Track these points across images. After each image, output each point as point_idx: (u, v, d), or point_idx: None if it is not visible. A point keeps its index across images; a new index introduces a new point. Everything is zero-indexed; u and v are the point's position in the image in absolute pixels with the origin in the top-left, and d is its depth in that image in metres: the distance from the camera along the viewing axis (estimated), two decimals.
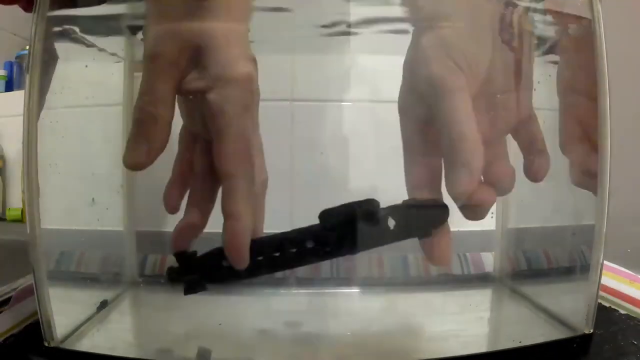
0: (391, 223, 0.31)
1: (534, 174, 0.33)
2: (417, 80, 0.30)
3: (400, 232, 0.31)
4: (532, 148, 0.33)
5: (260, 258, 0.30)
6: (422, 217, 0.31)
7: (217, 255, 0.30)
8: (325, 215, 0.30)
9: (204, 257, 0.31)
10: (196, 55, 0.27)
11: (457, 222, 0.50)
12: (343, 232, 0.30)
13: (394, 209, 0.31)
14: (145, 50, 0.28)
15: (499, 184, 0.31)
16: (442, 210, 0.31)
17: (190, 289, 0.31)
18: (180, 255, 0.31)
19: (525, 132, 0.33)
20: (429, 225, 0.31)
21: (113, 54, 0.44)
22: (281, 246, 0.31)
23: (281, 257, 0.31)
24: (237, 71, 0.27)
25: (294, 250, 0.31)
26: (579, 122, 0.34)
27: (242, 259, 0.28)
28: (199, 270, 0.31)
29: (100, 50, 0.42)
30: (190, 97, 0.29)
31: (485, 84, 0.30)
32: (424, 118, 0.30)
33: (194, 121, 0.30)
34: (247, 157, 0.28)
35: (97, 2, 0.33)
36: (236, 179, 0.28)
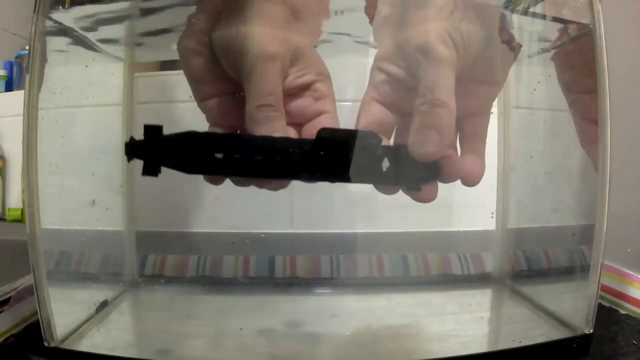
0: (385, 165, 0.30)
1: (466, 175, 0.32)
2: (408, 43, 0.31)
3: (391, 176, 0.31)
4: (470, 143, 0.33)
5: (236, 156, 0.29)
6: (413, 169, 0.31)
7: (188, 139, 0.29)
8: (324, 133, 0.30)
9: (173, 138, 0.29)
10: (294, 57, 0.31)
11: (457, 222, 0.50)
12: (338, 155, 0.30)
13: (391, 150, 0.31)
14: (256, 52, 0.29)
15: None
16: (434, 167, 0.31)
17: (146, 171, 0.30)
18: (150, 130, 0.29)
19: (472, 125, 0.33)
20: (418, 179, 0.31)
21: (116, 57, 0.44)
22: (269, 150, 0.29)
23: (265, 161, 0.29)
24: (326, 67, 0.33)
25: (280, 157, 0.29)
26: (592, 120, 0.34)
27: None
28: (164, 150, 0.29)
29: (100, 51, 0.42)
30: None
31: (467, 70, 0.31)
32: (399, 76, 0.32)
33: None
34: None
35: None
36: None
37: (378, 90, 0.33)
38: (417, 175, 0.31)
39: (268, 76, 0.30)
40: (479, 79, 0.33)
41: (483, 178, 0.41)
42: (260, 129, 0.29)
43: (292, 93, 0.32)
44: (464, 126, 0.33)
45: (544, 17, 0.39)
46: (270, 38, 0.30)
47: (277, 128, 0.30)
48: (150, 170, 0.30)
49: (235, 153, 0.29)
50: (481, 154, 0.33)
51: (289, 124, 0.32)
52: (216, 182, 0.32)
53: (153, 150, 0.29)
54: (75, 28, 0.37)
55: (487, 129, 0.34)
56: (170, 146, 0.29)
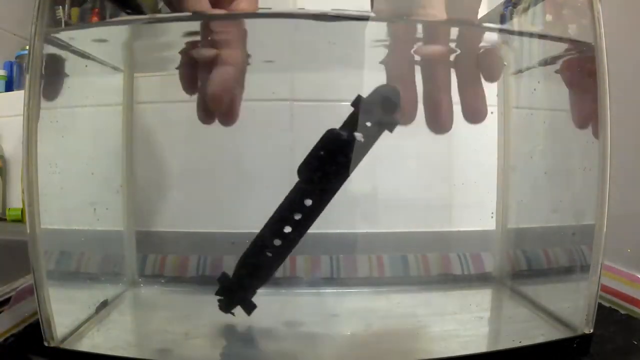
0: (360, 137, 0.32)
1: (471, 109, 0.32)
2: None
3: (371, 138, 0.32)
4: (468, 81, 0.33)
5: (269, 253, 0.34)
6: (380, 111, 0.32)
7: (244, 274, 0.35)
8: (301, 169, 0.33)
9: (235, 277, 0.36)
10: None
11: (457, 222, 0.50)
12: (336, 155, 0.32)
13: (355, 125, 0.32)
14: None
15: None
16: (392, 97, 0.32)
17: (249, 309, 0.36)
18: (222, 279, 0.36)
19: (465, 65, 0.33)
20: (389, 114, 0.32)
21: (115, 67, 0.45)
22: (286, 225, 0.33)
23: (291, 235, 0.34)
24: None
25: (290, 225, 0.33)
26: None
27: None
28: (236, 290, 0.36)
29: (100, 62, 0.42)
30: None
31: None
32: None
33: None
34: None
35: None
36: None
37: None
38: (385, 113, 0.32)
39: None
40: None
41: (483, 178, 0.42)
42: None
43: None
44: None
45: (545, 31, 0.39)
46: None
47: None
48: (250, 308, 0.36)
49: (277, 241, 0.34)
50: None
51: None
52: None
53: (239, 298, 0.35)
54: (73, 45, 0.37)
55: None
56: (241, 280, 0.35)
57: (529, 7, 0.41)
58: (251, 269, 0.35)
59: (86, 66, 0.41)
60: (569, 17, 0.39)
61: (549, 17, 0.42)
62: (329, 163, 0.32)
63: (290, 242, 0.34)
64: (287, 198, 0.33)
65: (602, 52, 0.33)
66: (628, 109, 0.43)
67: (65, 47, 0.36)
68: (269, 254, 0.34)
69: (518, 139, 0.47)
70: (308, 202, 0.33)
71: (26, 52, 0.41)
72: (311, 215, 0.33)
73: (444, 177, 0.49)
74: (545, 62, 0.40)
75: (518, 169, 0.47)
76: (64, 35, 0.36)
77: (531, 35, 0.39)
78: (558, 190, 0.42)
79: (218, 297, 0.36)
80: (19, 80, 1.19)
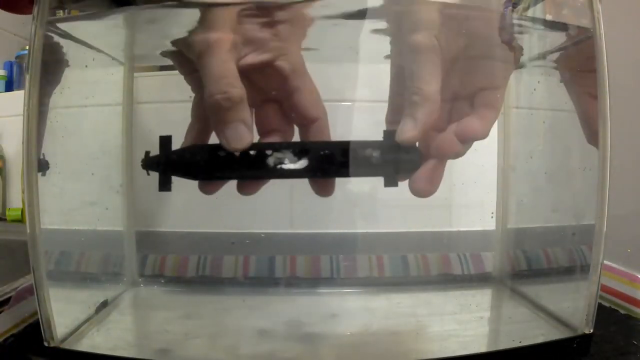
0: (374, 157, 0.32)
1: (463, 130, 0.32)
2: (403, 43, 0.32)
3: (377, 168, 0.32)
4: (477, 110, 0.32)
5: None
6: (397, 158, 0.32)
7: (194, 150, 0.32)
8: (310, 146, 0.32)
9: (180, 151, 0.33)
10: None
11: (457, 222, 0.50)
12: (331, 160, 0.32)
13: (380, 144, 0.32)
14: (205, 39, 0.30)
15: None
16: (413, 154, 0.32)
17: (162, 187, 0.33)
18: (164, 140, 0.33)
19: (482, 97, 0.33)
20: (404, 167, 0.32)
21: (114, 58, 0.44)
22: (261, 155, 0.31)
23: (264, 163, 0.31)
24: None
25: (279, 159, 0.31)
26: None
27: None
28: (177, 162, 0.32)
29: (100, 51, 0.42)
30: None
31: (469, 47, 0.32)
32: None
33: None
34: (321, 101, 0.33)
35: None
36: (323, 120, 0.33)
37: (392, 92, 0.34)
38: (401, 165, 0.32)
39: (217, 59, 0.29)
40: (487, 55, 0.33)
41: (483, 178, 0.41)
42: (216, 118, 0.30)
43: (258, 68, 0.31)
44: (475, 100, 0.33)
45: (544, 21, 0.38)
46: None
47: (231, 117, 0.29)
48: (165, 186, 0.33)
49: (231, 159, 0.31)
50: (484, 117, 0.32)
51: (269, 100, 0.33)
52: (209, 192, 0.32)
53: (166, 164, 0.32)
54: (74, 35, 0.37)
55: (499, 102, 0.33)
56: (178, 158, 0.32)
57: (529, 7, 0.41)
58: (194, 156, 0.32)
59: (86, 66, 0.41)
60: (568, 17, 0.39)
61: (549, 17, 0.42)
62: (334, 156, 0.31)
63: (253, 166, 0.31)
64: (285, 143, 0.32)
65: (602, 52, 0.33)
66: (628, 109, 0.43)
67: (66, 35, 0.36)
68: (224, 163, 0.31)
69: (518, 139, 0.47)
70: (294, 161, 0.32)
71: (26, 52, 0.41)
72: (279, 167, 0.31)
73: (444, 177, 0.49)
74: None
75: (518, 169, 0.47)
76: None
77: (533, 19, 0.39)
78: (558, 190, 0.42)
79: (146, 150, 0.33)
80: (19, 80, 1.19)
